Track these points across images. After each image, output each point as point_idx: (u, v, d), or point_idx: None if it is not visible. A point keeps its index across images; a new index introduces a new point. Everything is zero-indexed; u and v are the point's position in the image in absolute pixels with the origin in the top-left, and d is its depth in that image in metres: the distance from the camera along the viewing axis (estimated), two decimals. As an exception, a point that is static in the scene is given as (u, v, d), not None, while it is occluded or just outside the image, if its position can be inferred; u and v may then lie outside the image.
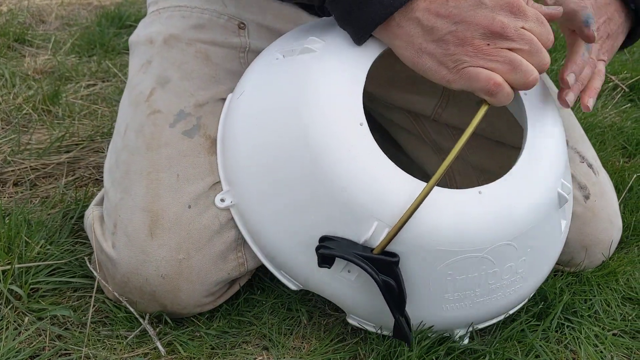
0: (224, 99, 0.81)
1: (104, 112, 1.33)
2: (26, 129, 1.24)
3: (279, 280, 0.77)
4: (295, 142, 0.68)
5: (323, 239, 0.66)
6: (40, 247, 0.87)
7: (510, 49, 0.61)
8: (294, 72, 0.72)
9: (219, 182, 0.77)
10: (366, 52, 0.69)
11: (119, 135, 0.83)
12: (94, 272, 0.81)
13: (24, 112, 1.30)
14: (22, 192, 1.05)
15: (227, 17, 0.85)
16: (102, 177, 0.89)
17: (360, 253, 0.63)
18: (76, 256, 0.88)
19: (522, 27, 0.61)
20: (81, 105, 1.35)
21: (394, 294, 0.64)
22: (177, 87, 0.81)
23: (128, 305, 0.78)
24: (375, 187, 0.65)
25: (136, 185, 0.77)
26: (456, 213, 0.66)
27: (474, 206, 0.67)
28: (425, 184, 0.64)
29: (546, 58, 0.62)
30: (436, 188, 0.65)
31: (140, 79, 0.84)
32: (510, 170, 0.69)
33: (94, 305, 0.80)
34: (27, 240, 0.87)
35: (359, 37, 0.66)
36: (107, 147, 0.93)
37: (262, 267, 0.85)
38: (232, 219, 0.77)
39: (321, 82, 0.68)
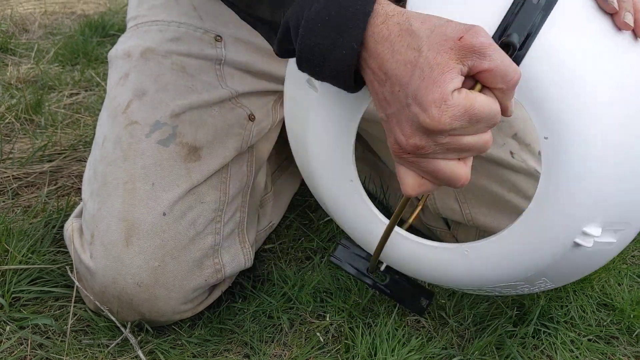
0: (200, 107, 0.82)
1: (87, 121, 1.33)
2: (9, 138, 1.24)
3: (260, 288, 0.78)
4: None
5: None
6: (22, 256, 0.87)
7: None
8: (301, 108, 0.68)
9: (196, 187, 0.78)
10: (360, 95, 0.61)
11: (97, 147, 0.84)
12: (74, 280, 0.82)
13: (7, 121, 1.30)
14: (4, 202, 1.05)
15: (203, 31, 0.87)
16: (84, 186, 0.90)
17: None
18: (58, 265, 0.89)
19: (440, 143, 0.51)
20: (64, 114, 1.35)
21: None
22: (154, 99, 0.82)
23: (109, 314, 0.78)
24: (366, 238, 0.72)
25: (113, 195, 0.78)
26: (437, 269, 0.69)
27: (457, 265, 0.67)
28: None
29: (483, 147, 0.53)
30: (420, 241, 0.69)
31: (118, 91, 0.85)
32: (509, 227, 0.64)
33: (75, 314, 0.81)
34: (9, 248, 0.87)
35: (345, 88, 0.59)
36: (88, 158, 0.94)
37: (242, 275, 0.86)
38: (209, 225, 0.78)
39: (317, 133, 0.67)
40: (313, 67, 0.56)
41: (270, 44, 0.62)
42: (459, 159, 0.53)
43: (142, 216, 0.76)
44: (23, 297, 0.84)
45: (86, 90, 1.49)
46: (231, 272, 0.80)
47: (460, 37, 0.49)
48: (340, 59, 0.53)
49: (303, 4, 0.54)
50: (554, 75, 0.56)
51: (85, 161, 1.16)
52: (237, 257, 0.82)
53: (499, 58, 0.49)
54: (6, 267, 0.85)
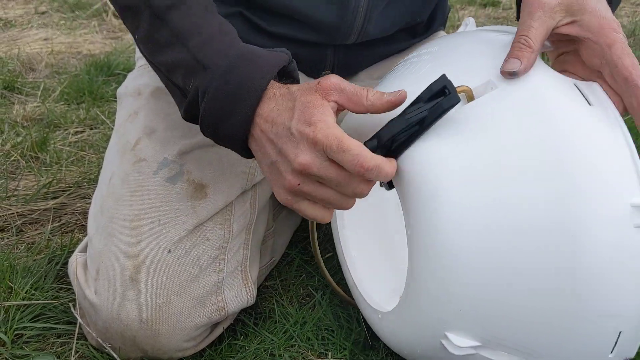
0: (207, 146, 0.84)
1: (92, 158, 1.35)
2: (14, 175, 1.25)
3: (262, 325, 0.78)
4: None
5: None
6: (25, 293, 0.88)
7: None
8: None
9: (201, 224, 0.79)
10: None
11: (104, 182, 0.85)
12: (77, 317, 0.82)
13: (12, 158, 1.31)
14: (8, 238, 1.06)
15: None
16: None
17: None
18: (61, 301, 0.89)
19: (308, 192, 0.62)
20: (69, 152, 1.37)
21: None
22: (163, 137, 0.84)
23: (111, 351, 0.78)
24: None
25: (119, 231, 0.78)
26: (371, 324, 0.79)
27: (376, 325, 0.77)
28: None
29: (346, 204, 0.64)
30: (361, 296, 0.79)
31: (127, 128, 0.87)
32: (395, 307, 0.70)
33: (77, 351, 0.81)
34: (12, 285, 0.87)
35: (239, 151, 0.69)
36: (94, 194, 0.95)
37: (244, 312, 0.86)
38: (213, 263, 0.79)
39: None
40: (212, 131, 0.66)
41: (179, 109, 0.71)
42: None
43: (148, 252, 0.77)
44: (25, 334, 0.84)
45: (91, 129, 1.51)
46: (234, 310, 0.81)
47: (318, 82, 0.61)
48: (235, 124, 0.64)
49: (211, 76, 0.64)
50: (420, 181, 0.61)
51: (90, 198, 1.17)
52: (240, 294, 0.82)
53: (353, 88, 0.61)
54: (9, 303, 0.85)
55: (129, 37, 2.27)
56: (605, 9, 0.61)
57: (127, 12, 0.71)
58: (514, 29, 0.68)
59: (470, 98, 0.60)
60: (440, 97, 0.58)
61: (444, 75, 0.57)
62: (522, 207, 0.56)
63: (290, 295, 0.96)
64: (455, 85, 0.59)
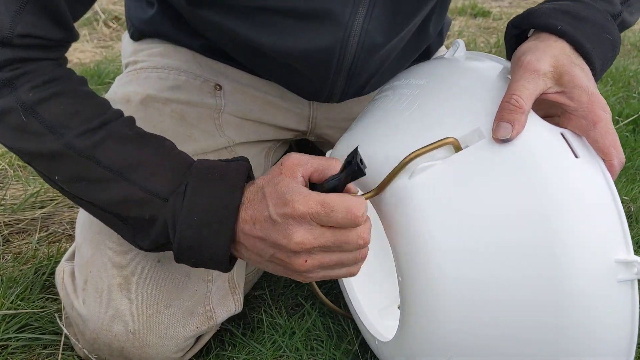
0: (197, 155, 0.83)
1: (80, 167, 1.34)
2: (1, 185, 1.25)
3: (250, 336, 0.77)
4: None
5: None
6: (11, 303, 0.87)
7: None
8: None
9: None
10: None
11: (93, 191, 0.84)
12: (63, 328, 0.81)
13: (0, 167, 1.30)
14: (-6, 248, 1.05)
15: (203, 79, 0.88)
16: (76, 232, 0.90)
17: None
18: (47, 312, 0.88)
19: (306, 265, 0.61)
20: (57, 161, 1.36)
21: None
22: None
23: (98, 362, 0.77)
24: None
25: (108, 241, 0.78)
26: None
27: (376, 349, 0.77)
28: None
29: (351, 271, 0.63)
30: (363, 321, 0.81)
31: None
32: (393, 336, 0.71)
33: (63, 362, 0.80)
34: (-2, 296, 0.87)
35: (222, 269, 0.66)
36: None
37: (232, 322, 0.85)
38: (201, 272, 0.78)
39: None
40: (192, 258, 0.64)
41: (131, 241, 0.68)
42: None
43: (137, 263, 0.76)
44: (11, 345, 0.83)
45: (80, 137, 1.51)
46: (222, 319, 0.80)
47: (281, 164, 0.61)
48: (218, 246, 0.62)
49: (175, 203, 0.62)
50: (408, 231, 0.62)
51: (77, 208, 1.17)
52: (227, 303, 0.81)
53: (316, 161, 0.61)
54: (-5, 314, 0.84)
55: (119, 46, 2.26)
56: (593, 86, 0.62)
57: (41, 159, 0.65)
58: (503, 60, 0.69)
59: (458, 148, 0.60)
60: (351, 168, 0.58)
61: (356, 149, 0.57)
62: (508, 258, 0.57)
63: (279, 305, 0.96)
64: (442, 135, 0.60)
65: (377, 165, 0.66)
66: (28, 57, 0.62)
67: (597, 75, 0.66)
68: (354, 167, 0.56)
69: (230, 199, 0.61)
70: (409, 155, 0.62)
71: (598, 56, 0.66)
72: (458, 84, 0.67)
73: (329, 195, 0.58)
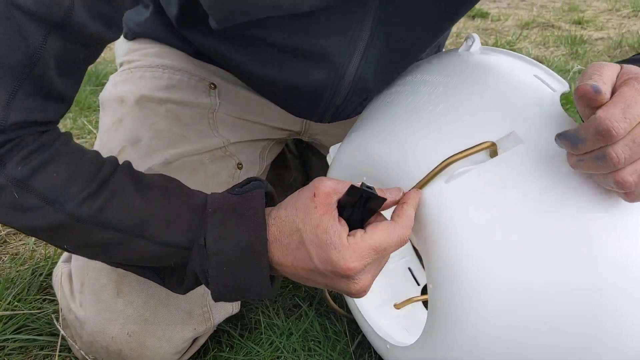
0: (192, 155, 0.83)
1: (78, 168, 1.34)
2: (-2, 186, 1.24)
3: (248, 337, 0.77)
4: None
5: None
6: (8, 304, 0.87)
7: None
8: None
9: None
10: None
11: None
12: (60, 329, 0.81)
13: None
14: (-9, 249, 1.05)
15: (198, 78, 0.88)
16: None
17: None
18: (44, 312, 0.88)
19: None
20: (55, 162, 1.36)
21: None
22: (148, 146, 0.83)
23: (95, 364, 0.77)
24: None
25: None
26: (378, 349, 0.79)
27: (383, 352, 0.76)
28: None
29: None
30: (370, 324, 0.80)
31: (111, 136, 0.86)
32: (414, 342, 0.68)
33: (60, 364, 0.80)
34: (-5, 297, 0.86)
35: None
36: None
37: (230, 323, 0.85)
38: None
39: None
40: (234, 299, 0.62)
41: (161, 285, 0.65)
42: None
43: None
44: (7, 346, 0.83)
45: (78, 138, 1.51)
46: (219, 320, 0.80)
47: (314, 195, 0.57)
48: (259, 284, 0.60)
49: (200, 257, 0.60)
50: (441, 239, 0.59)
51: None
52: (225, 304, 0.81)
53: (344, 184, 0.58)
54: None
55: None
56: None
57: (45, 232, 0.59)
58: (518, 54, 0.66)
59: (494, 153, 0.57)
60: (351, 211, 0.57)
61: (363, 184, 0.56)
62: (547, 267, 0.54)
63: (276, 306, 0.96)
64: (477, 138, 0.58)
65: (408, 165, 0.63)
66: (20, 136, 0.56)
67: None
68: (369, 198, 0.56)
69: (258, 241, 0.59)
70: (448, 158, 0.59)
71: None
72: (486, 83, 0.64)
73: (374, 235, 0.56)
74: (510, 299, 0.55)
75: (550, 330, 0.55)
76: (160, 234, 0.60)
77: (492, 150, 0.57)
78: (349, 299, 0.85)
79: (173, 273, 0.63)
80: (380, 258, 0.58)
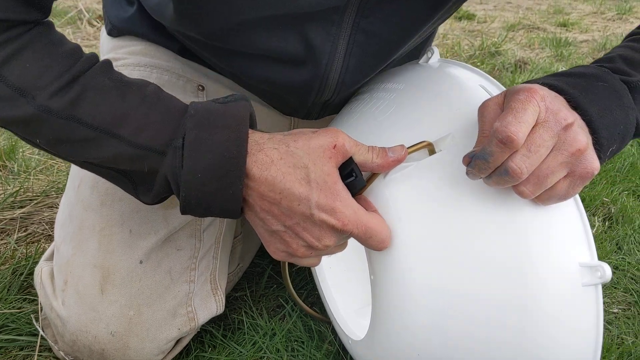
0: None
1: (61, 167, 1.33)
2: (-20, 184, 1.23)
3: (231, 337, 0.77)
4: None
5: None
6: (-13, 304, 0.86)
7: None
8: None
9: (172, 234, 0.78)
10: None
11: (72, 189, 0.83)
12: (39, 329, 0.80)
13: (-21, 166, 1.29)
14: (-29, 248, 1.03)
15: (186, 80, 0.88)
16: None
17: None
18: (24, 312, 0.87)
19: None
20: (37, 160, 1.35)
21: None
22: None
23: (76, 364, 0.76)
24: None
25: (89, 241, 0.77)
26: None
27: (350, 347, 0.78)
28: None
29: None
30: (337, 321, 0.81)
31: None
32: (364, 335, 0.71)
33: (40, 364, 0.79)
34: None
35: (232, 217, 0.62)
36: (61, 200, 0.93)
37: (213, 323, 0.85)
38: (184, 273, 0.77)
39: None
40: (202, 211, 0.59)
41: (133, 194, 0.64)
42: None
43: (119, 263, 0.75)
44: (-13, 347, 0.82)
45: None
46: (204, 320, 0.80)
47: (334, 146, 0.58)
48: (229, 198, 0.57)
49: (173, 160, 0.57)
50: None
51: (57, 207, 1.15)
52: (209, 304, 0.81)
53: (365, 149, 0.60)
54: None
55: (102, 45, 2.24)
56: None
57: (17, 125, 0.59)
58: (475, 68, 0.70)
59: (432, 152, 0.62)
60: (352, 178, 0.60)
61: (350, 159, 0.59)
62: (475, 262, 0.58)
63: (260, 307, 0.95)
64: (418, 138, 0.62)
65: None
66: None
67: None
68: (355, 176, 0.60)
69: (237, 150, 0.56)
70: None
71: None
72: (434, 89, 0.69)
73: (372, 218, 0.59)
74: (439, 293, 0.59)
75: (476, 322, 0.58)
76: (134, 135, 0.57)
77: (430, 149, 0.62)
78: (328, 305, 0.85)
79: (145, 180, 0.61)
80: (364, 239, 0.59)
